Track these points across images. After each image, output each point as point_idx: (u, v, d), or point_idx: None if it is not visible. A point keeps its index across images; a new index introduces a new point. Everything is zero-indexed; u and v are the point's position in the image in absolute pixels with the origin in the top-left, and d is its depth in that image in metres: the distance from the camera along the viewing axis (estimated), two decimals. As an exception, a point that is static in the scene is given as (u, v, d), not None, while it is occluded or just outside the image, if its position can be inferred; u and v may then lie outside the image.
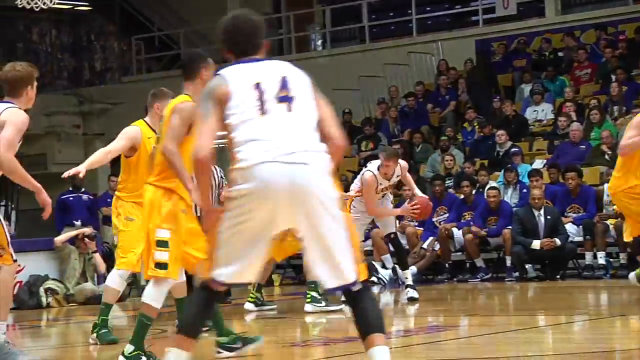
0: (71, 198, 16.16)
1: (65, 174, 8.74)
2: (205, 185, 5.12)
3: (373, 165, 11.74)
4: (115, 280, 8.91)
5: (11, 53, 28.18)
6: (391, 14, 24.63)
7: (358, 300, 4.98)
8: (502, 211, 15.29)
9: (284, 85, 5.00)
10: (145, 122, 8.92)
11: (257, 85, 4.98)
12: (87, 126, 26.68)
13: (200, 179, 5.17)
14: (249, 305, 11.77)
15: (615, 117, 17.73)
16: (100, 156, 8.96)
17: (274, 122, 4.92)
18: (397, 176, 11.75)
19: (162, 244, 7.14)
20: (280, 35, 26.30)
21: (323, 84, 19.90)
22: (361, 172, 12.08)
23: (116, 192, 9.10)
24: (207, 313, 5.12)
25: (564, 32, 21.31)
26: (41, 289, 14.51)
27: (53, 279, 14.73)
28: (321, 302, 11.16)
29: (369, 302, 5.00)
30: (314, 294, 11.16)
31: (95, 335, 8.94)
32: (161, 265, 7.15)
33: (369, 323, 4.95)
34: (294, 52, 25.44)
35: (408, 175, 11.99)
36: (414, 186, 12.03)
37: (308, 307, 11.19)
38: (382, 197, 11.82)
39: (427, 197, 12.27)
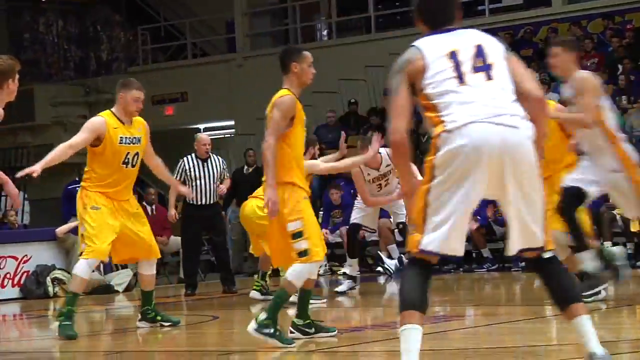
0: (77, 188, 16.15)
1: (19, 174, 8.49)
2: (405, 168, 5.05)
3: None
4: (85, 270, 8.81)
5: (18, 43, 28.22)
6: (397, 3, 24.59)
7: (550, 268, 5.04)
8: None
9: (479, 53, 4.97)
10: (112, 112, 9.05)
11: (453, 55, 4.95)
12: (94, 116, 26.67)
13: (399, 161, 5.10)
14: (254, 294, 11.75)
15: (623, 106, 17.69)
16: (61, 151, 8.86)
17: (475, 90, 4.89)
18: (388, 165, 11.55)
19: (297, 235, 7.38)
20: (286, 25, 26.28)
21: (329, 74, 19.93)
22: None
23: (81, 182, 9.08)
24: (425, 285, 5.03)
25: (570, 22, 21.25)
26: (48, 279, 14.55)
27: (60, 269, 14.76)
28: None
29: (562, 272, 5.05)
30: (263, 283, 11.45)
31: (57, 324, 8.85)
32: (302, 253, 7.38)
33: (567, 293, 5.03)
34: (299, 42, 25.41)
35: None
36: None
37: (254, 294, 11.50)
38: (380, 186, 11.67)
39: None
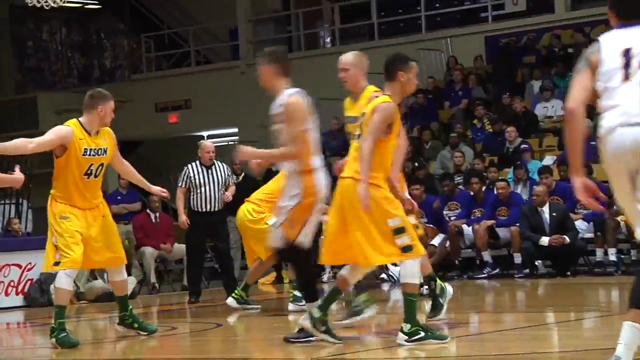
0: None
1: None
2: (574, 136, 5.21)
3: None
4: (65, 281, 8.80)
5: (21, 51, 28.24)
6: (400, 10, 24.62)
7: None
8: (513, 202, 15.23)
9: None
10: (80, 122, 8.92)
11: (626, 52, 5.00)
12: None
13: (569, 128, 5.20)
14: (231, 301, 11.64)
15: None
16: (21, 143, 8.80)
17: (633, 88, 4.94)
18: None
19: (399, 231, 7.35)
20: (289, 33, 26.31)
21: (332, 80, 19.80)
22: None
23: (51, 192, 8.92)
24: None
25: (573, 28, 21.25)
26: (52, 287, 14.52)
27: (63, 277, 14.75)
28: (302, 301, 10.91)
29: None
30: (296, 293, 10.77)
31: (54, 340, 8.84)
32: (406, 249, 7.36)
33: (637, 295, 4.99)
34: (303, 49, 25.43)
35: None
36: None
37: (291, 306, 10.99)
38: None
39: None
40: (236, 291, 11.66)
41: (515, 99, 19.10)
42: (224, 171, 13.51)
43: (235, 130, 25.83)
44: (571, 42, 21.09)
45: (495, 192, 15.63)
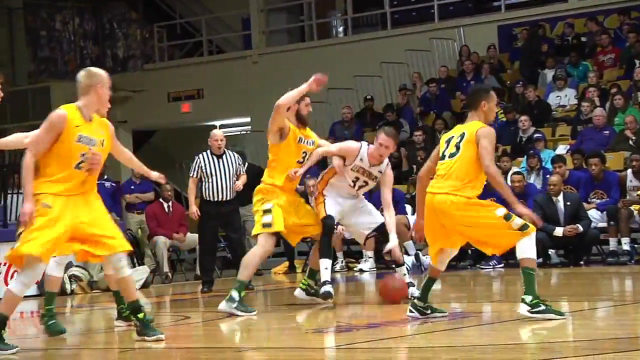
0: (103, 183, 16.19)
1: None
2: None
3: (364, 145, 10.31)
4: (55, 268, 8.93)
5: (35, 41, 28.28)
6: (412, 0, 24.57)
7: None
8: (528, 194, 15.18)
9: None
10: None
11: None
12: (110, 114, 26.75)
13: None
14: (299, 293, 10.66)
15: None
16: (16, 139, 8.67)
17: None
18: (380, 172, 10.23)
19: (507, 217, 8.03)
20: (301, 22, 26.28)
21: (344, 70, 19.77)
22: None
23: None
24: None
25: (586, 17, 21.19)
26: (65, 276, 14.57)
27: (77, 266, 14.78)
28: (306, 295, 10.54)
29: None
30: (309, 281, 10.49)
31: (44, 327, 8.94)
32: (523, 227, 7.97)
33: None
34: (315, 38, 25.41)
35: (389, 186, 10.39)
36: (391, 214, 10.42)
37: (298, 294, 10.60)
38: (356, 180, 10.21)
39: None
40: (303, 281, 10.75)
41: (528, 88, 19.06)
42: (235, 160, 13.51)
43: (248, 119, 25.84)
44: (585, 31, 21.03)
45: (510, 184, 15.58)
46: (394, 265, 10.80)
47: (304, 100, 10.13)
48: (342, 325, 9.08)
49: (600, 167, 15.05)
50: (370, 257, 15.81)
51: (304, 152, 10.11)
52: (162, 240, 16.54)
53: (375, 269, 15.66)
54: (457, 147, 8.06)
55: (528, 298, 7.94)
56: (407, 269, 14.65)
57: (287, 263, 16.95)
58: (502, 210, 8.04)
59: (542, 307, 7.92)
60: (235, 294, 9.90)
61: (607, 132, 16.80)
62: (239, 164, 13.57)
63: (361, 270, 15.75)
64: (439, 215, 8.12)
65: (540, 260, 14.76)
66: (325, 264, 10.14)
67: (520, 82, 19.68)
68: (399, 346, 7.58)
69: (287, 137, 9.95)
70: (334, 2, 26.13)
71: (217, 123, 26.08)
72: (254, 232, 10.19)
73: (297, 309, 10.38)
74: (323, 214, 10.15)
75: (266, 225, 9.97)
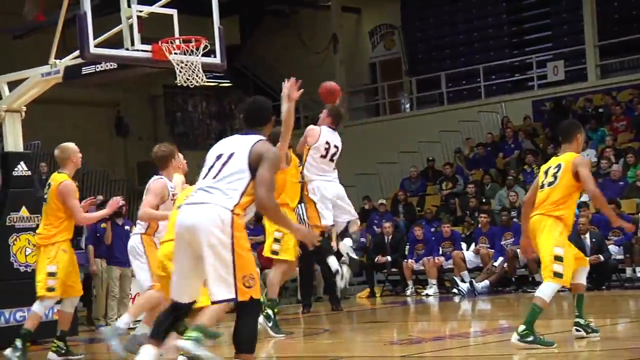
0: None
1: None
2: None
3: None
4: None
5: (172, 120, 28.83)
6: (464, 81, 24.52)
7: None
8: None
9: None
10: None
11: None
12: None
13: None
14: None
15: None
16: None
17: None
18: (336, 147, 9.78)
19: (559, 259, 7.33)
20: (376, 101, 26.40)
21: (411, 138, 19.61)
22: None
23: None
24: None
25: (603, 92, 20.93)
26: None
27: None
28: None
29: None
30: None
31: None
32: (557, 275, 7.29)
33: None
34: (388, 113, 25.48)
35: None
36: None
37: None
38: (330, 157, 9.92)
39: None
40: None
41: (558, 149, 18.81)
42: None
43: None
44: (601, 104, 20.76)
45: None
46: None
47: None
48: (413, 337, 9.01)
49: (616, 211, 14.76)
50: (434, 284, 15.66)
51: (301, 173, 9.82)
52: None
53: (438, 293, 15.51)
54: (555, 177, 7.64)
55: (521, 328, 7.19)
56: (462, 292, 14.59)
57: (368, 290, 16.87)
58: (559, 250, 7.34)
59: (531, 338, 7.15)
60: (269, 312, 9.41)
61: (622, 183, 16.53)
62: None
63: (427, 295, 15.61)
64: (533, 234, 7.58)
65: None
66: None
67: (551, 145, 19.46)
68: (459, 355, 7.50)
69: (290, 163, 9.55)
70: (402, 85, 26.20)
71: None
72: (264, 253, 9.81)
73: (378, 326, 10.31)
74: (317, 221, 9.54)
75: (274, 253, 9.61)
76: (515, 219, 16.45)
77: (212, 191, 5.20)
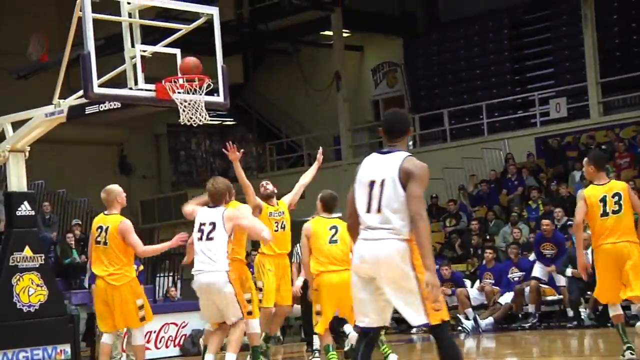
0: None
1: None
2: None
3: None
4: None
5: (176, 159, 28.93)
6: (467, 118, 24.63)
7: None
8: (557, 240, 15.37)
9: None
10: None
11: None
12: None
13: None
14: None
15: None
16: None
17: None
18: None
19: None
20: (380, 138, 26.44)
21: (415, 175, 18.94)
22: None
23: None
24: None
25: (606, 129, 20.99)
26: (201, 340, 14.64)
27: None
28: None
29: None
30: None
31: None
32: None
33: None
34: (391, 151, 25.53)
35: None
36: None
37: None
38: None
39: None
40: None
41: (561, 185, 18.86)
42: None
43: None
44: (605, 140, 20.80)
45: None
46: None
47: (261, 185, 10.94)
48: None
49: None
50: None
51: (275, 222, 10.49)
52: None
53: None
54: (620, 205, 8.32)
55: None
56: (467, 330, 14.54)
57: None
58: None
59: None
60: (262, 344, 10.08)
61: (626, 219, 16.49)
62: None
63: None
64: (620, 261, 8.22)
65: (575, 323, 14.42)
66: None
67: (555, 181, 19.49)
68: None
69: (261, 213, 10.21)
70: (405, 122, 26.26)
71: (316, 218, 26.20)
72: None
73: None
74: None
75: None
76: (520, 255, 16.45)
77: (381, 225, 5.31)
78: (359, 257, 5.36)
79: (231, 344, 8.33)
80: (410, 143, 26.09)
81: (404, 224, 5.26)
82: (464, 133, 24.41)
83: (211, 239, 8.36)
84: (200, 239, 8.37)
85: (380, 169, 5.53)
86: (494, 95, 23.97)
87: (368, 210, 5.37)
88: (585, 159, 8.82)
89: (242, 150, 9.24)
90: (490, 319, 14.91)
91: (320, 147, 10.84)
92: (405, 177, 5.38)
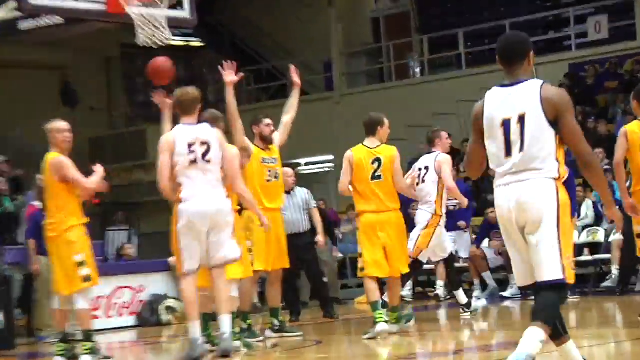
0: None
1: None
2: None
3: None
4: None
5: (132, 87, 28.80)
6: (486, 40, 24.53)
7: None
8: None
9: None
10: None
11: None
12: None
13: None
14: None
15: None
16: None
17: None
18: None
19: None
20: (380, 64, 26.38)
21: (422, 109, 19.70)
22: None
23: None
24: None
25: (656, 54, 20.97)
26: (161, 307, 14.73)
27: (172, 298, 14.93)
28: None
29: None
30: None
31: None
32: None
33: None
34: (394, 79, 25.47)
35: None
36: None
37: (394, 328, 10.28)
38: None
39: None
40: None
41: (600, 122, 18.87)
42: (304, 195, 13.43)
43: (331, 157, 25.95)
44: (654, 68, 20.78)
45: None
46: None
47: (263, 122, 10.86)
48: (420, 352, 9.05)
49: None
50: (441, 286, 15.42)
51: (268, 170, 10.42)
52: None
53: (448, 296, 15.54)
54: None
55: None
56: (485, 299, 14.66)
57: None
58: None
59: None
60: (244, 326, 10.14)
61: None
62: (308, 198, 13.45)
63: (438, 298, 15.55)
64: None
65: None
66: None
67: (592, 117, 19.49)
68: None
69: (250, 159, 10.14)
70: (411, 45, 26.19)
71: (302, 161, 26.25)
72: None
73: (379, 338, 10.35)
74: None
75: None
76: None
77: (527, 166, 5.44)
78: (503, 204, 5.55)
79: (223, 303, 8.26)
80: (418, 70, 26.06)
81: (552, 162, 5.38)
82: (483, 58, 24.33)
83: (208, 161, 8.24)
84: (195, 161, 8.27)
85: (513, 103, 5.64)
86: (520, 12, 23.85)
87: (508, 154, 5.51)
88: (633, 93, 8.78)
89: (240, 73, 8.96)
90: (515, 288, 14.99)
91: (292, 65, 10.51)
92: (552, 110, 5.45)
